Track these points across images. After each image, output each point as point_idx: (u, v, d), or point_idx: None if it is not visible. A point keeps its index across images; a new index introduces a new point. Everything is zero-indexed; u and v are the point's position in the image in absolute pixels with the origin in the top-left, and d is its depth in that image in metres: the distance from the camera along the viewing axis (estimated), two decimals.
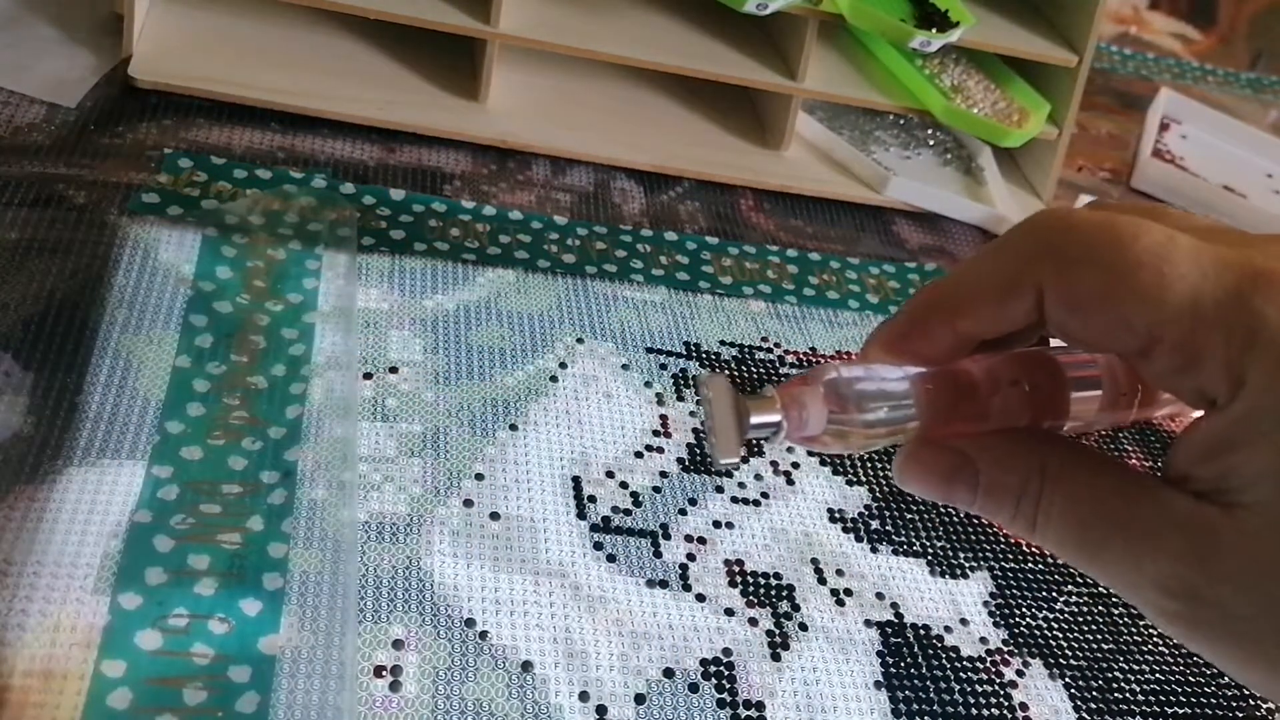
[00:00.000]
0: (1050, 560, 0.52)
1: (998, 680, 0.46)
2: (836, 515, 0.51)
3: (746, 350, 0.59)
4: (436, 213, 0.62)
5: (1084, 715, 0.46)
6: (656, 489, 0.50)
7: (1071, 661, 0.48)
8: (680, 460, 0.52)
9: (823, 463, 0.54)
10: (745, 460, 0.52)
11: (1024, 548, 0.53)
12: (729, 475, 0.50)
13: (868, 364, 0.30)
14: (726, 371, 0.57)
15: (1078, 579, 0.52)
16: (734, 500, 0.51)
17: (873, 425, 0.29)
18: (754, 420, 0.28)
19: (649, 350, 0.57)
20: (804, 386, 0.29)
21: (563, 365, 0.55)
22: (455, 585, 0.44)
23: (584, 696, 0.41)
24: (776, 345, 0.59)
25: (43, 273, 0.51)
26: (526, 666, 0.42)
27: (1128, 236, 0.26)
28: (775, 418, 0.29)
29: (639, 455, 0.51)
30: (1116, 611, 0.51)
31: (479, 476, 0.48)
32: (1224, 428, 0.26)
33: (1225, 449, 0.26)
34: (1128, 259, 0.25)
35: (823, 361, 0.59)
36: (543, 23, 0.68)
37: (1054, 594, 0.51)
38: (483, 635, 0.42)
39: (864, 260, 0.68)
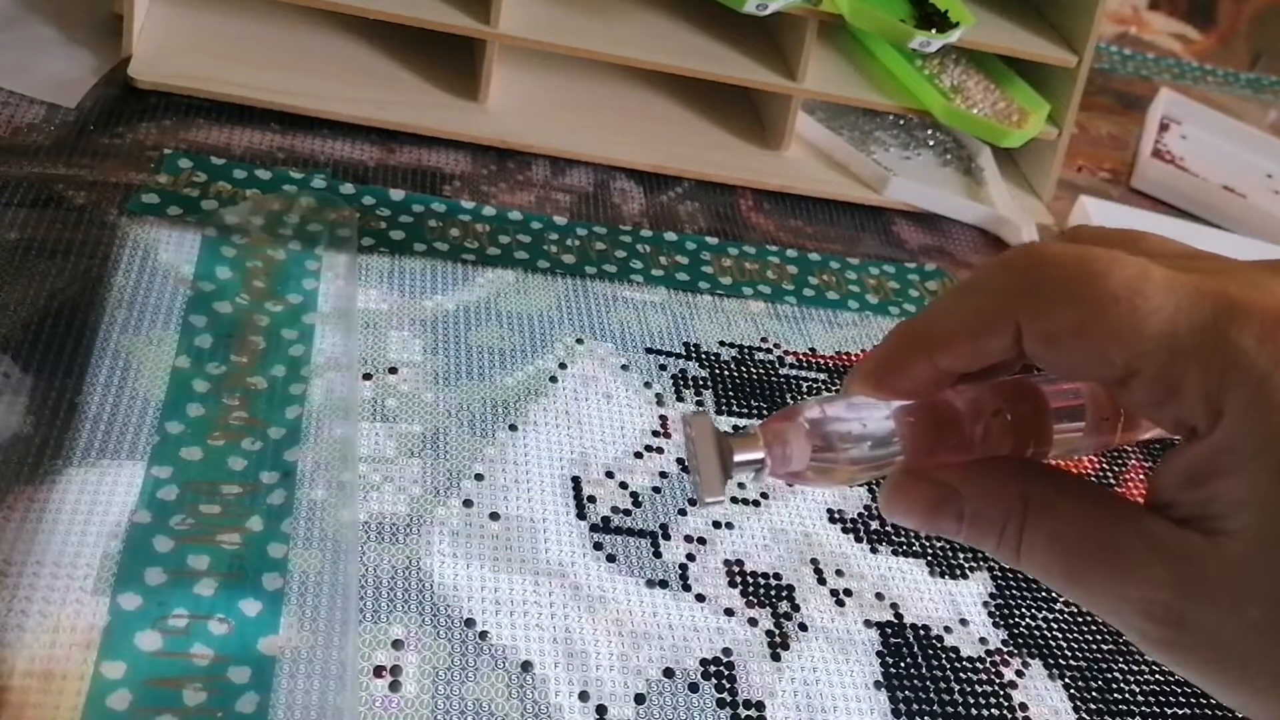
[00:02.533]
0: None
1: (997, 680, 0.46)
2: (836, 516, 0.51)
3: (746, 351, 0.59)
4: (436, 213, 0.62)
5: (1083, 715, 0.46)
6: (656, 489, 0.50)
7: (1071, 662, 0.48)
8: (680, 461, 0.52)
9: None
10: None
11: None
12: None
13: (849, 398, 0.30)
14: (727, 373, 0.57)
15: None
16: (734, 501, 0.51)
17: (856, 461, 0.29)
18: (737, 458, 0.29)
19: (649, 351, 0.57)
20: (786, 423, 0.29)
21: (562, 366, 0.55)
22: (455, 585, 0.44)
23: (584, 696, 0.41)
24: (776, 346, 0.59)
25: (42, 273, 0.51)
26: (526, 666, 0.42)
27: (1101, 271, 0.26)
28: (758, 455, 0.29)
29: (639, 456, 0.51)
30: None
31: (479, 477, 0.48)
32: (1205, 456, 0.26)
33: (1207, 477, 0.26)
34: (1102, 294, 0.26)
35: (826, 359, 0.59)
36: (543, 23, 0.68)
37: (1053, 594, 0.51)
38: (482, 635, 0.42)
39: (864, 260, 0.68)
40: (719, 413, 0.54)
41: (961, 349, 0.28)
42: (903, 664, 0.46)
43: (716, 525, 0.49)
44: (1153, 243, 0.29)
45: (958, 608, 0.49)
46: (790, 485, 0.30)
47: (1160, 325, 0.25)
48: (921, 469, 0.30)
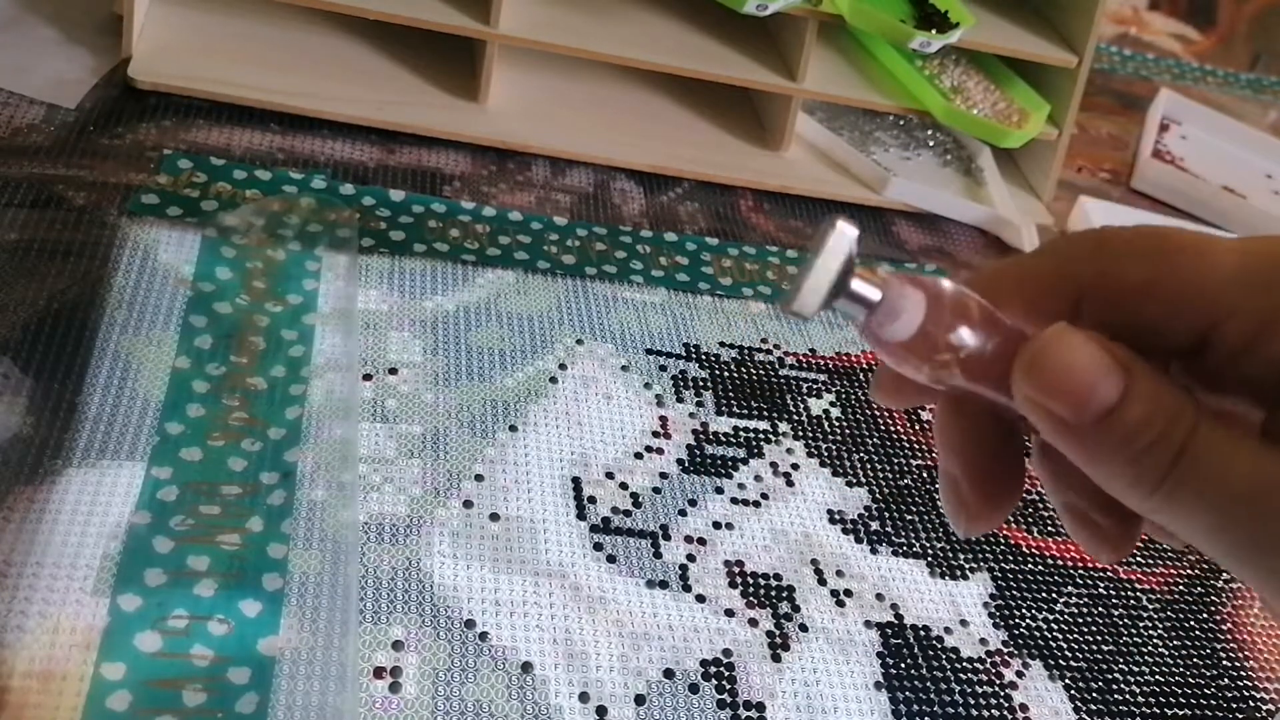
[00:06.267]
0: (1050, 561, 0.52)
1: (998, 681, 0.46)
2: (836, 516, 0.51)
3: (746, 352, 0.59)
4: (436, 213, 0.62)
5: (1084, 716, 0.46)
6: (656, 490, 0.50)
7: (1071, 663, 0.48)
8: (680, 461, 0.52)
9: (822, 464, 0.54)
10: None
11: (1024, 548, 0.53)
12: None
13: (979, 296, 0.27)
14: (727, 374, 0.57)
15: (1077, 580, 0.52)
16: (734, 501, 0.51)
17: (957, 348, 0.25)
18: (855, 286, 0.25)
19: (649, 351, 0.57)
20: (911, 286, 0.26)
21: (562, 366, 0.55)
22: (455, 586, 0.44)
23: (584, 697, 0.41)
24: (776, 347, 0.59)
25: (42, 274, 0.51)
26: (526, 667, 0.42)
27: (1164, 231, 0.25)
28: (875, 295, 0.25)
29: (639, 456, 0.51)
30: (1116, 613, 0.51)
31: (479, 478, 0.48)
32: None
33: None
34: (1170, 246, 0.25)
35: (826, 360, 0.59)
36: (543, 23, 0.68)
37: (1054, 595, 0.51)
38: (483, 636, 0.42)
39: (864, 261, 0.68)
40: (719, 413, 0.54)
41: (1014, 309, 0.26)
42: (903, 665, 0.46)
43: (716, 526, 0.49)
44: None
45: (958, 608, 0.49)
46: (872, 347, 0.27)
47: (1232, 266, 0.24)
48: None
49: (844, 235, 0.25)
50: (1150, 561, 0.54)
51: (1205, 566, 0.54)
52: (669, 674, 0.43)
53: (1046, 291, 0.26)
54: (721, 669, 0.44)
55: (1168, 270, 0.25)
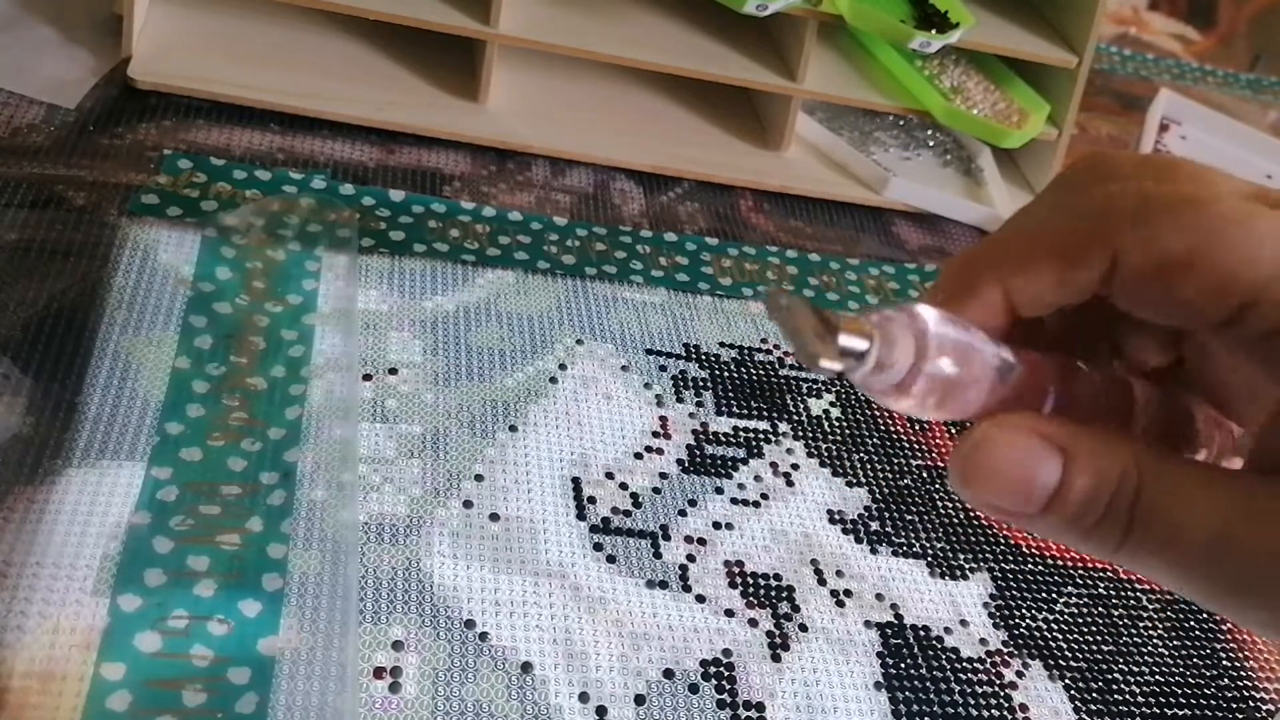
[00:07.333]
0: (1050, 561, 0.52)
1: (998, 681, 0.46)
2: (836, 516, 0.51)
3: (746, 352, 0.59)
4: (436, 214, 0.62)
5: (1084, 717, 0.46)
6: (656, 490, 0.50)
7: (1071, 663, 0.48)
8: (680, 461, 0.52)
9: (822, 464, 0.54)
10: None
11: (1024, 548, 0.53)
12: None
13: (962, 322, 0.25)
14: (727, 374, 0.57)
15: (1077, 580, 0.52)
16: (734, 501, 0.51)
17: (937, 379, 0.24)
18: (843, 341, 0.23)
19: (648, 352, 0.57)
20: (898, 328, 0.24)
21: (562, 366, 0.55)
22: (455, 586, 0.44)
23: (584, 698, 0.41)
24: (776, 347, 0.59)
25: (42, 274, 0.51)
26: (526, 668, 0.42)
27: (1206, 197, 0.24)
28: (863, 344, 0.24)
29: (638, 456, 0.51)
30: (1116, 613, 0.51)
31: (478, 478, 0.48)
32: None
33: None
34: (1214, 217, 0.23)
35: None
36: (542, 23, 0.68)
37: (1054, 595, 0.51)
38: (482, 636, 0.42)
39: (864, 261, 0.68)
40: (719, 413, 0.54)
41: (1044, 274, 0.25)
42: (903, 665, 0.46)
43: (716, 526, 0.49)
44: (1224, 176, 0.26)
45: (958, 609, 0.49)
46: (864, 391, 0.25)
47: (1278, 243, 0.23)
48: (1018, 423, 0.24)
49: (796, 301, 0.24)
50: None
51: None
52: (669, 674, 0.43)
53: (1082, 256, 0.24)
54: (721, 669, 0.44)
55: (1210, 245, 0.23)
